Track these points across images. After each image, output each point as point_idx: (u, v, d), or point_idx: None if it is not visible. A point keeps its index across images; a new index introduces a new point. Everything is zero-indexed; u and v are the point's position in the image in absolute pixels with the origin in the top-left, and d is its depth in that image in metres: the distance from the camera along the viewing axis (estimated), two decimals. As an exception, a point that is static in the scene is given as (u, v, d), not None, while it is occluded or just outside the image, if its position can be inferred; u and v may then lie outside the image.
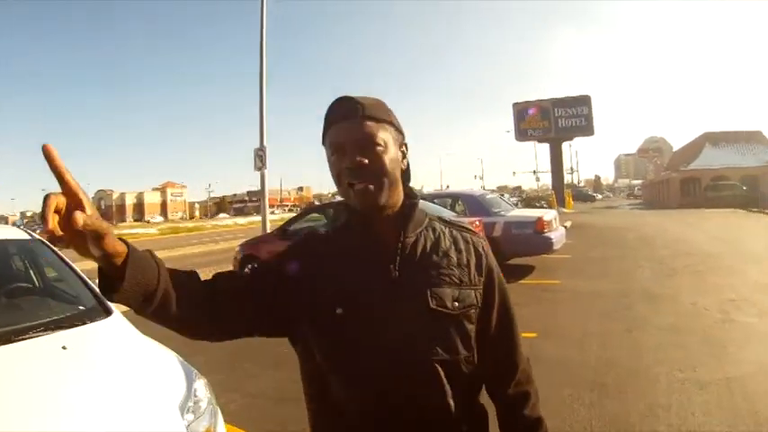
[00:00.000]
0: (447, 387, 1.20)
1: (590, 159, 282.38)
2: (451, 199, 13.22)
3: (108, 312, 3.14)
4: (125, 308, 1.14)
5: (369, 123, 1.20)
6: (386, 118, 1.24)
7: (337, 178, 1.23)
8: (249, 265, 9.97)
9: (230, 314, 1.21)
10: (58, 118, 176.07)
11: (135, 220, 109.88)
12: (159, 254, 1.15)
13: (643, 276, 10.58)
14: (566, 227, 22.27)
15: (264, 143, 15.05)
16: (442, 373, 1.19)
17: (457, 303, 1.24)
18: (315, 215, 11.69)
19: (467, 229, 1.38)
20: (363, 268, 1.23)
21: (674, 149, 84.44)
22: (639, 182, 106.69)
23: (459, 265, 1.28)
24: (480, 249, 1.35)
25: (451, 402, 1.20)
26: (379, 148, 1.19)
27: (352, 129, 1.19)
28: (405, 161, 1.29)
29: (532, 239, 11.05)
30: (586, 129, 53.54)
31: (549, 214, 12.01)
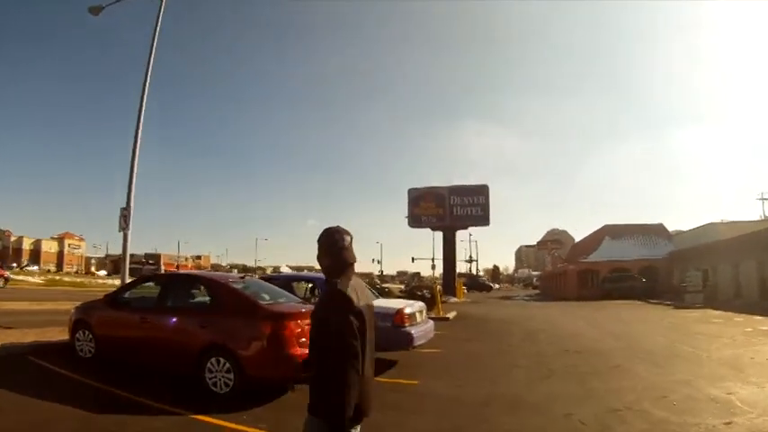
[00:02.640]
0: None
1: (492, 249, 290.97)
2: (309, 282, 12.50)
3: None
4: None
5: None
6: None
7: (345, 260, 2.95)
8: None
9: None
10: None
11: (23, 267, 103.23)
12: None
13: (515, 379, 9.54)
14: (448, 318, 21.50)
15: (131, 203, 14.40)
16: None
17: None
18: (149, 284, 10.63)
19: None
20: None
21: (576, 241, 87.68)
22: (538, 273, 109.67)
23: None
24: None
25: None
26: None
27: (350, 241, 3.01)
28: None
29: (389, 334, 9.82)
30: (482, 218, 53.94)
31: (411, 306, 10.98)
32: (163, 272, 68.60)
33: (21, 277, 52.75)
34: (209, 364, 7.52)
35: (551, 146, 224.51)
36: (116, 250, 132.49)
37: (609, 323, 20.57)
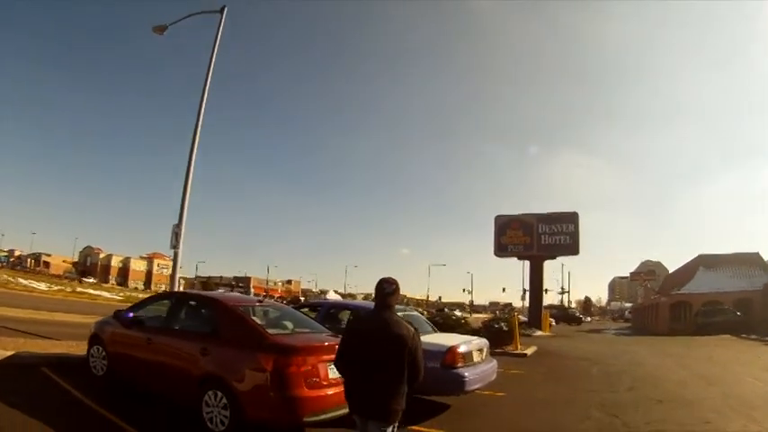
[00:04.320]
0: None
1: (586, 280, 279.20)
2: (351, 311, 10.67)
3: None
4: None
5: None
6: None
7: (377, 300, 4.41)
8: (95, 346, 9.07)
9: None
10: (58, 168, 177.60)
11: (117, 284, 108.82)
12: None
13: (582, 438, 7.82)
14: (525, 354, 19.67)
15: (183, 220, 13.86)
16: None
17: None
18: (163, 302, 9.48)
19: None
20: None
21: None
22: (631, 305, 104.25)
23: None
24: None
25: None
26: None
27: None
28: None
29: (437, 376, 8.30)
30: (571, 247, 49.55)
31: (468, 344, 9.30)
32: (252, 295, 68.15)
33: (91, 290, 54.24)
34: (206, 397, 6.51)
35: (644, 178, 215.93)
36: (204, 272, 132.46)
37: (700, 364, 18.17)
